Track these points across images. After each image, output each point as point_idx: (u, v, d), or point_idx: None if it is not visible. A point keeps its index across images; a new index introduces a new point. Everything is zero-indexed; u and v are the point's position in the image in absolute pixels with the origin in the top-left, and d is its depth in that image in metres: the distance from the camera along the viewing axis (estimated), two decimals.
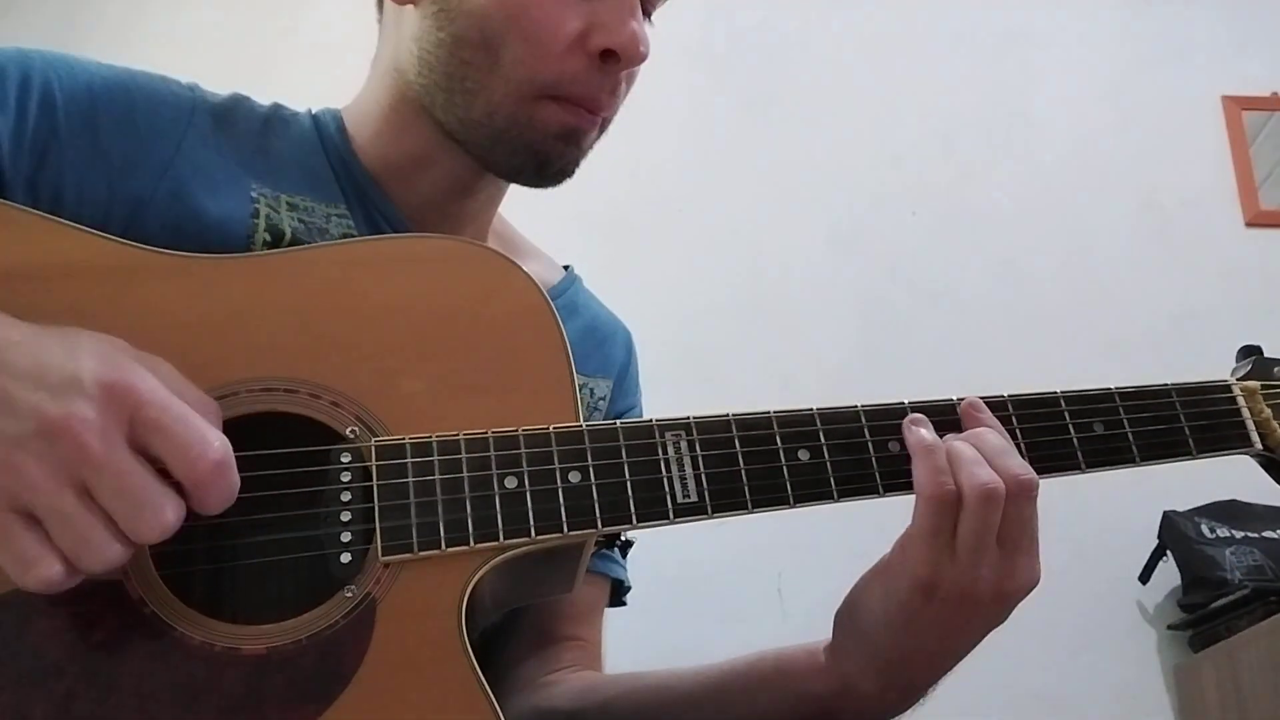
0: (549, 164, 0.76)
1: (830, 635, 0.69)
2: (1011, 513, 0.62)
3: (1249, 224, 2.45)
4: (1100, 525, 2.07)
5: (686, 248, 2.35)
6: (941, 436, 0.65)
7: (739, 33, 2.59)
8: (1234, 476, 2.12)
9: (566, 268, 0.95)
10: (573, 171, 0.79)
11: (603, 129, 0.79)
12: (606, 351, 0.92)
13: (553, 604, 0.84)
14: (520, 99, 0.73)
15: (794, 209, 2.42)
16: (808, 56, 2.58)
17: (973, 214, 2.42)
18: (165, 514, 0.49)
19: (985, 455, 0.63)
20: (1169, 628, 2.04)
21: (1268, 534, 1.99)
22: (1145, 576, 2.06)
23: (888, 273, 2.36)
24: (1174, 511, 2.04)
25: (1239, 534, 1.99)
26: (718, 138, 2.48)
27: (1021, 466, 0.63)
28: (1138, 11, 2.64)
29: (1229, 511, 2.04)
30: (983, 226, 2.40)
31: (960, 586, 0.61)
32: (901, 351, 2.26)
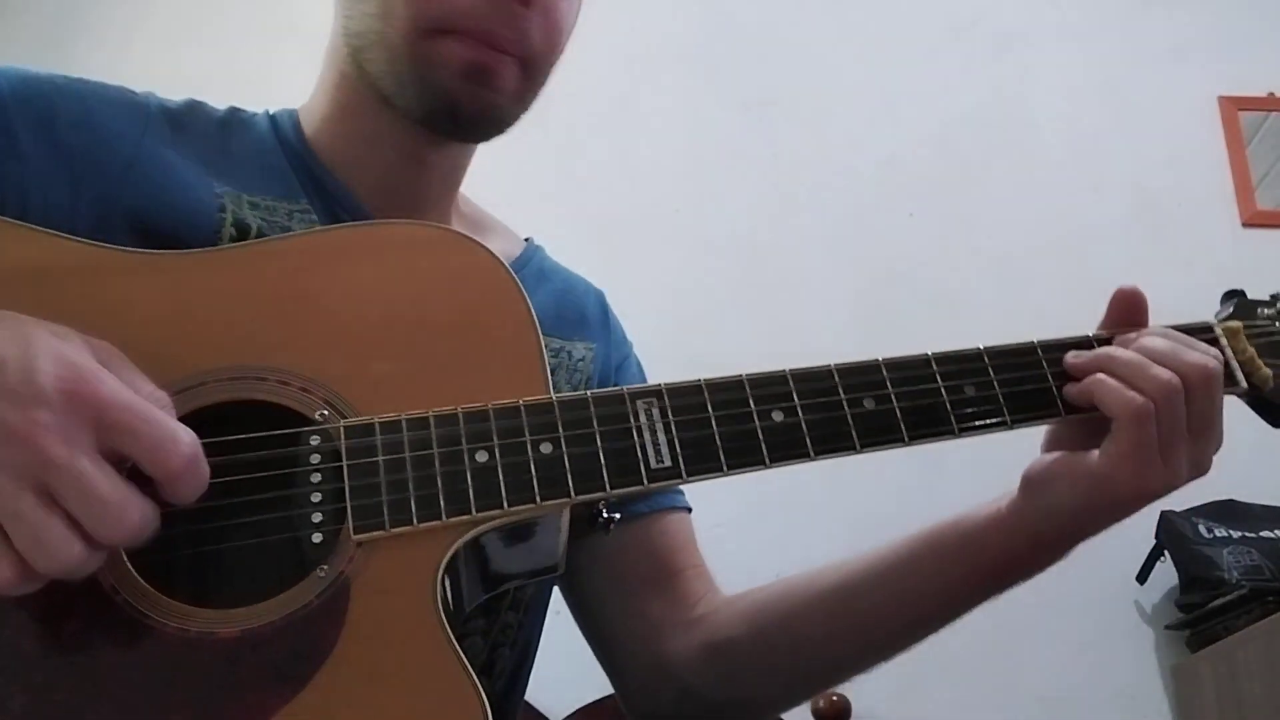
0: (460, 106, 0.74)
1: (1001, 498, 0.72)
2: (1201, 401, 0.65)
3: (1245, 224, 2.46)
4: None
5: (683, 249, 2.35)
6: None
7: (736, 32, 2.59)
8: (1232, 477, 2.12)
9: (528, 240, 0.95)
10: (501, 120, 0.77)
11: (531, 74, 0.76)
12: (581, 312, 0.92)
13: (652, 543, 0.85)
14: (415, 38, 0.72)
15: (791, 210, 2.42)
16: (804, 56, 2.58)
17: (970, 214, 2.42)
18: (129, 513, 0.49)
19: (1160, 358, 0.66)
20: (1167, 628, 2.04)
21: (1265, 534, 1.99)
22: (1143, 576, 2.06)
23: (886, 273, 2.36)
24: (1171, 511, 2.04)
25: (1236, 534, 1.99)
26: (714, 138, 2.48)
27: (1201, 356, 0.66)
28: (1134, 11, 2.64)
29: (1226, 511, 2.04)
30: (980, 227, 2.40)
31: (1166, 483, 0.66)
32: (900, 351, 2.26)
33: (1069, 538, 0.69)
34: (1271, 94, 2.57)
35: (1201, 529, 2.00)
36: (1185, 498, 2.06)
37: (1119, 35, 2.62)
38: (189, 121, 0.79)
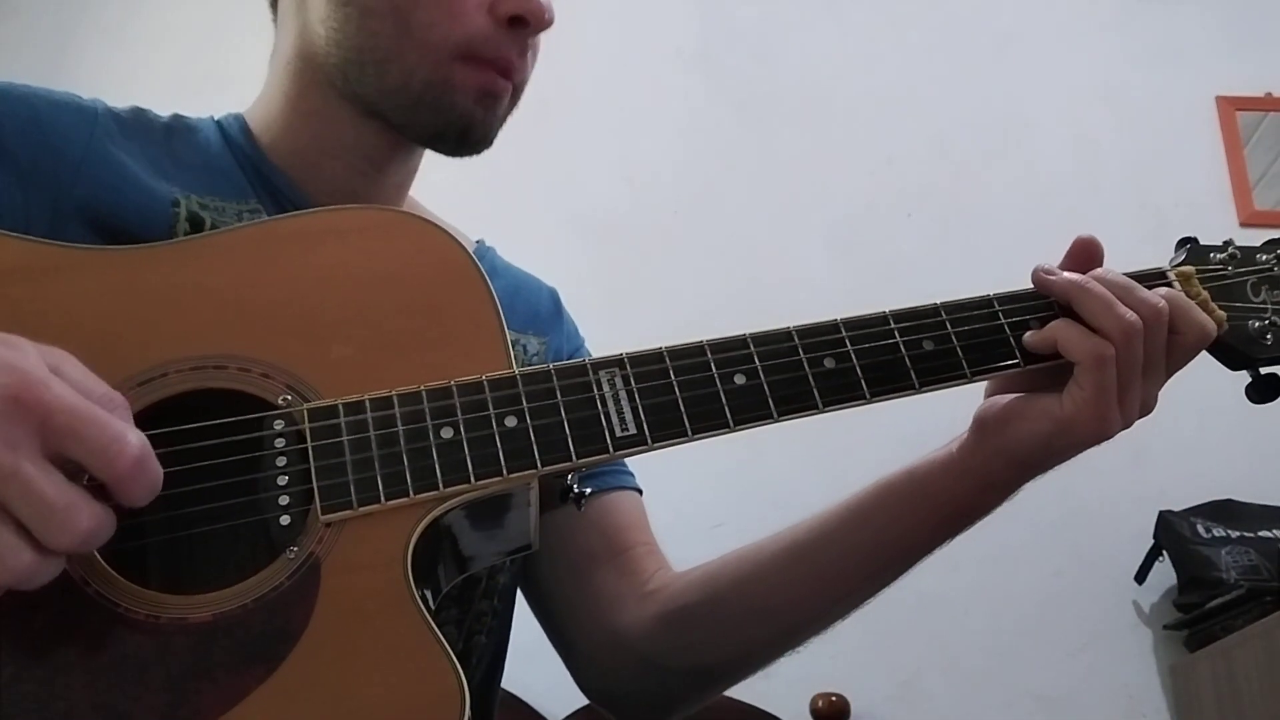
0: (470, 128, 0.77)
1: (951, 442, 0.72)
2: (1154, 342, 0.66)
3: (1243, 224, 2.46)
4: (1096, 526, 2.07)
5: (681, 252, 2.35)
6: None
7: (734, 35, 2.59)
8: (1230, 476, 2.14)
9: (479, 241, 0.95)
10: (491, 140, 0.80)
11: (515, 99, 0.80)
12: (534, 308, 0.93)
13: (602, 521, 0.85)
14: (437, 61, 0.75)
15: (790, 212, 2.42)
16: (803, 59, 2.58)
17: (969, 216, 2.42)
18: (78, 518, 0.48)
19: (1120, 296, 0.67)
20: (1165, 627, 2.04)
21: (1263, 534, 2.00)
22: (1141, 576, 2.07)
23: (884, 275, 2.36)
24: (1170, 511, 2.04)
25: (1234, 534, 2.00)
26: (713, 141, 2.49)
27: (1154, 296, 0.67)
28: (1132, 12, 2.64)
29: (1225, 511, 2.05)
30: (979, 229, 2.40)
31: (1122, 424, 0.66)
32: None
33: (1019, 477, 0.70)
34: (1269, 94, 2.58)
35: (1200, 529, 2.01)
36: (1184, 497, 2.07)
37: (1117, 35, 2.62)
38: (135, 126, 0.79)
